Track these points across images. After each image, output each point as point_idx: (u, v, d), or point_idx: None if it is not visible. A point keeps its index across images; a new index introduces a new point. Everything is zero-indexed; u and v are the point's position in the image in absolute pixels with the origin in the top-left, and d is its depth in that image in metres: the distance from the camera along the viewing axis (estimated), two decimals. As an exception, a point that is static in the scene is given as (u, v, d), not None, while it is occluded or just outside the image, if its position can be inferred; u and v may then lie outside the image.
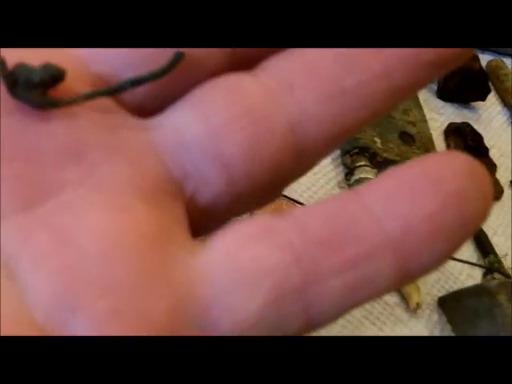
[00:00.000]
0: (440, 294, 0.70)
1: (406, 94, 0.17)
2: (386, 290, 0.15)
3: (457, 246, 0.15)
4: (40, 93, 0.16)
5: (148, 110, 0.18)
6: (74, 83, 0.17)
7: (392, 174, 0.16)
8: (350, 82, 0.17)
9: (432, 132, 0.87)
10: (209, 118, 0.17)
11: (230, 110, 0.17)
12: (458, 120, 0.94)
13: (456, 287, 0.71)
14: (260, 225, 0.16)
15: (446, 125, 0.93)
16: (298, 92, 0.17)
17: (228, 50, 0.18)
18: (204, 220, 0.17)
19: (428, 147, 0.82)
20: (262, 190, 0.17)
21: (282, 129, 0.17)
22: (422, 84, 0.17)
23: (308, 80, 0.17)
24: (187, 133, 0.17)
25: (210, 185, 0.17)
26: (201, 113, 0.17)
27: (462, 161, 0.16)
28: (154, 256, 0.15)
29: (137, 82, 0.17)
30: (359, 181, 0.73)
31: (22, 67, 0.16)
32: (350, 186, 0.75)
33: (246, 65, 0.18)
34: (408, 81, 0.17)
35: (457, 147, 0.87)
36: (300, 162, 0.17)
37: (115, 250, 0.15)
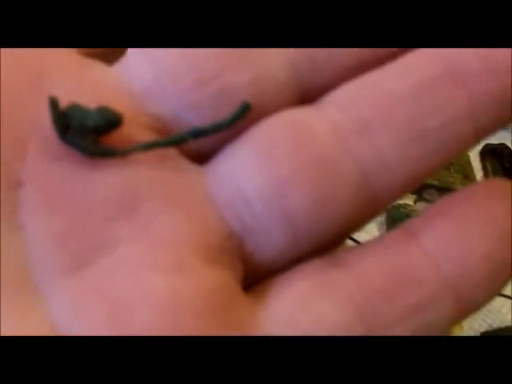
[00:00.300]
0: (482, 329, 0.68)
1: (488, 135, 0.15)
2: (445, 330, 0.15)
3: (507, 282, 0.15)
4: (93, 139, 0.14)
5: (204, 150, 0.16)
6: (130, 126, 0.15)
7: (444, 211, 0.15)
8: (432, 123, 0.15)
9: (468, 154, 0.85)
10: (271, 166, 0.15)
11: (295, 157, 0.15)
12: (495, 141, 0.92)
13: (498, 321, 0.70)
14: (318, 280, 0.15)
15: (482, 146, 0.90)
16: (372, 133, 0.15)
17: (295, 83, 0.16)
18: (259, 275, 0.16)
19: (466, 170, 0.80)
20: (327, 242, 0.16)
21: (354, 178, 0.15)
22: (506, 124, 0.15)
23: (385, 118, 0.15)
24: (248, 184, 0.15)
25: (272, 242, 0.15)
26: (262, 160, 0.15)
27: (509, 191, 0.15)
28: (217, 323, 0.14)
29: (199, 134, 0.15)
30: (399, 207, 0.71)
31: (75, 109, 0.14)
32: (387, 210, 0.73)
33: (312, 97, 0.16)
34: (494, 121, 0.15)
35: (494, 169, 0.85)
36: (370, 211, 0.16)
37: (175, 320, 0.13)
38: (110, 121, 0.14)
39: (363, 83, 0.15)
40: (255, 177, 0.15)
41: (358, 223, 0.16)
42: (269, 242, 0.15)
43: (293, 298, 0.15)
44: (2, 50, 0.14)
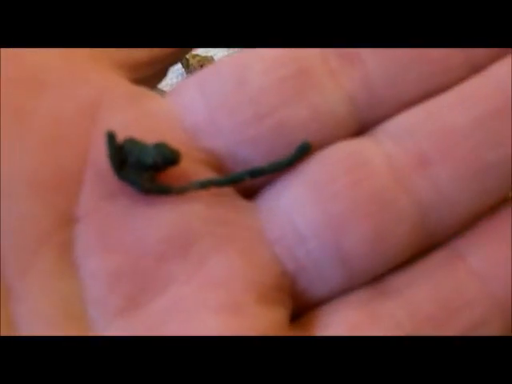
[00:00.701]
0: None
1: None
2: None
3: None
4: (149, 176, 0.14)
5: (255, 184, 0.15)
6: (184, 161, 0.14)
7: (489, 229, 0.15)
8: (493, 157, 0.14)
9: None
10: (327, 202, 0.14)
11: (351, 193, 0.14)
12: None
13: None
14: (366, 310, 0.14)
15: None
16: (431, 167, 0.14)
17: (354, 117, 0.15)
18: (306, 307, 0.15)
19: None
20: (380, 276, 0.15)
21: (412, 214, 0.14)
22: None
23: (444, 151, 0.14)
24: (302, 220, 0.14)
25: (325, 280, 0.15)
26: (317, 195, 0.14)
27: None
28: None
29: (257, 174, 0.15)
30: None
31: (132, 144, 0.14)
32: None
33: (369, 128, 0.15)
34: None
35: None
36: (427, 247, 0.15)
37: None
38: (168, 158, 0.14)
39: (421, 114, 0.15)
40: (309, 213, 0.14)
41: (414, 257, 0.15)
42: (322, 281, 0.15)
43: (342, 329, 0.14)
44: (52, 75, 0.14)
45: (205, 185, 0.14)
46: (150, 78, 0.16)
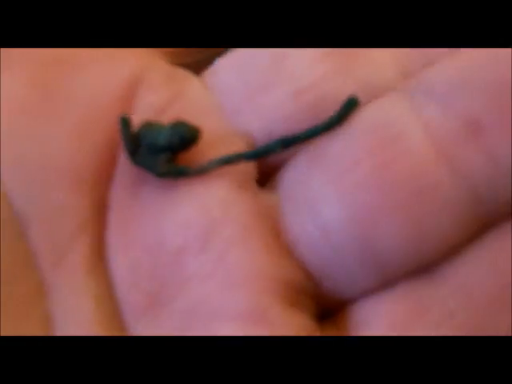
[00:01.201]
0: None
1: None
2: None
3: None
4: (166, 158, 0.13)
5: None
6: (220, 144, 0.13)
7: None
8: None
9: None
10: (350, 193, 0.12)
11: (378, 180, 0.12)
12: None
13: None
14: (410, 302, 0.12)
15: None
16: (486, 136, 0.12)
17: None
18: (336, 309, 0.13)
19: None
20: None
21: (460, 199, 0.12)
22: None
23: (502, 114, 0.12)
24: (325, 215, 0.12)
25: (355, 281, 0.13)
26: (339, 184, 0.12)
27: None
28: None
29: (290, 142, 0.13)
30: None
31: (148, 127, 0.13)
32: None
33: None
34: None
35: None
36: (481, 232, 0.12)
37: None
38: (185, 137, 0.13)
39: (469, 63, 0.12)
40: (333, 205, 0.12)
41: (464, 245, 0.13)
42: (350, 280, 0.13)
43: (385, 326, 0.12)
44: (88, 55, 0.14)
45: (229, 160, 0.13)
46: (193, 65, 0.15)
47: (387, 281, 0.13)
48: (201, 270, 0.13)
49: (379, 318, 0.13)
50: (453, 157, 0.12)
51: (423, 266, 0.13)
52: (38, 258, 0.13)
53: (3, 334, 0.12)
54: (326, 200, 0.13)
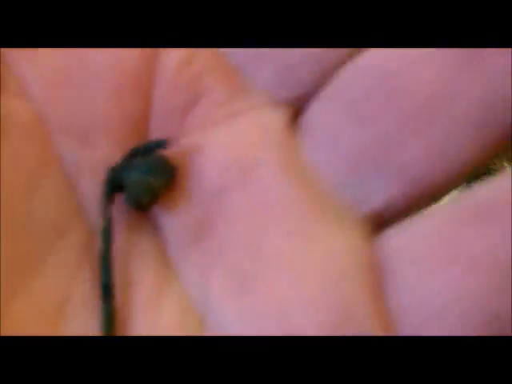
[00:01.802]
0: None
1: None
2: None
3: None
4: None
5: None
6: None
7: None
8: None
9: None
10: (368, 126, 0.13)
11: (391, 111, 0.13)
12: None
13: None
14: (445, 239, 0.13)
15: None
16: None
17: None
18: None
19: None
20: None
21: (477, 110, 0.12)
22: None
23: None
24: (349, 146, 0.13)
25: (384, 196, 0.13)
26: (356, 118, 0.13)
27: None
28: (353, 289, 0.13)
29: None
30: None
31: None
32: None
33: None
34: None
35: None
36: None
37: (309, 286, 0.13)
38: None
39: None
40: (354, 138, 0.13)
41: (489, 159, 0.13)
42: (380, 199, 0.13)
43: (417, 264, 0.13)
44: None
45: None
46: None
47: (415, 198, 0.13)
48: (241, 203, 0.13)
49: (411, 257, 0.13)
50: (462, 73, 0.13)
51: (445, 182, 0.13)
52: (88, 208, 0.14)
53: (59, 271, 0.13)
54: (346, 134, 0.13)
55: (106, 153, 0.14)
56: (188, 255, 0.13)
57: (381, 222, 0.13)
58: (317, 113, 0.14)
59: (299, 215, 0.13)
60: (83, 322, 0.13)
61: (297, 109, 0.14)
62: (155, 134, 0.14)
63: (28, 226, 0.13)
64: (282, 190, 0.13)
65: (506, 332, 0.12)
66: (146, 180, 0.13)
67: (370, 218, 0.13)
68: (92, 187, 0.14)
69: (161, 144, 0.13)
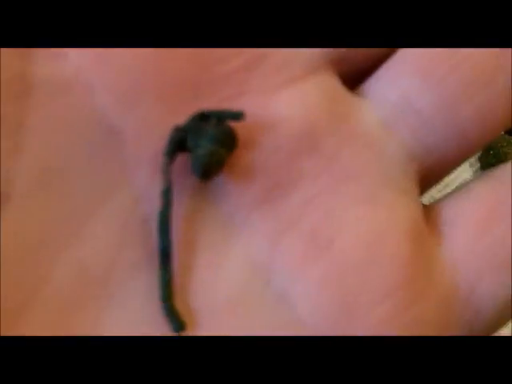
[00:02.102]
0: None
1: None
2: None
3: None
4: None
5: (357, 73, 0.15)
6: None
7: None
8: None
9: None
10: (437, 85, 0.14)
11: (457, 76, 0.14)
12: None
13: None
14: (493, 201, 0.14)
15: None
16: None
17: None
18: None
19: None
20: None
21: None
22: None
23: None
24: (420, 104, 0.14)
25: (447, 156, 0.15)
26: (426, 80, 0.14)
27: None
28: (416, 254, 0.14)
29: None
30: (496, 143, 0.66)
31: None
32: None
33: None
34: None
35: None
36: None
37: (378, 249, 0.13)
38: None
39: None
40: (425, 96, 0.14)
41: None
42: (444, 157, 0.15)
43: (471, 224, 0.14)
44: None
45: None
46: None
47: (469, 153, 0.15)
48: (313, 171, 0.14)
49: (465, 217, 0.14)
50: None
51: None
52: (133, 169, 0.13)
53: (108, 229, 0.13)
54: (418, 93, 0.14)
55: (154, 114, 0.13)
56: (255, 221, 0.13)
57: (430, 179, 0.15)
58: (384, 78, 0.15)
59: (367, 182, 0.14)
60: (132, 287, 0.13)
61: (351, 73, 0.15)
62: (210, 99, 0.14)
63: (73, 188, 0.13)
64: (351, 157, 0.14)
65: None
66: (215, 150, 0.13)
67: (422, 174, 0.14)
68: (137, 149, 0.13)
69: (237, 115, 0.13)
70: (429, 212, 0.15)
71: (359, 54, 0.15)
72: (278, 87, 0.14)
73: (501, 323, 0.14)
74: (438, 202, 0.15)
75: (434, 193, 0.16)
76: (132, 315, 0.13)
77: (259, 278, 0.13)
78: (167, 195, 0.13)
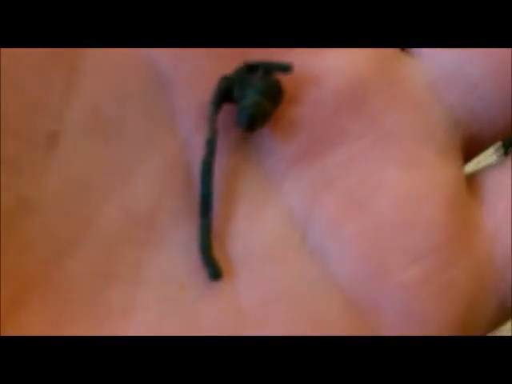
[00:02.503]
0: None
1: None
2: None
3: None
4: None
5: None
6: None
7: None
8: None
9: None
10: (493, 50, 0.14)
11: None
12: None
13: None
14: None
15: None
16: None
17: None
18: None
19: None
20: None
21: None
22: None
23: None
24: (471, 70, 0.14)
25: (493, 124, 0.14)
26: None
27: None
28: (454, 219, 0.14)
29: None
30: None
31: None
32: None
33: None
34: None
35: None
36: None
37: (416, 211, 0.13)
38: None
39: None
40: (477, 62, 0.14)
41: None
42: (490, 124, 0.14)
43: (508, 195, 0.14)
44: None
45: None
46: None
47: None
48: (356, 129, 0.14)
49: (504, 189, 0.14)
50: None
51: None
52: (180, 118, 0.13)
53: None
54: (470, 60, 0.14)
55: (203, 65, 0.13)
56: (294, 175, 0.13)
57: (475, 147, 0.15)
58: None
59: (410, 144, 0.14)
60: (173, 234, 0.13)
61: None
62: (259, 52, 0.14)
63: (122, 133, 0.13)
64: (395, 118, 0.14)
65: None
66: (261, 102, 0.13)
67: (467, 141, 0.14)
68: (185, 99, 0.13)
69: (285, 67, 0.13)
70: (471, 180, 0.15)
71: None
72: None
73: None
74: (480, 171, 0.15)
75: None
76: (171, 261, 0.13)
77: (296, 230, 0.13)
78: (211, 144, 0.13)
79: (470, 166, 0.15)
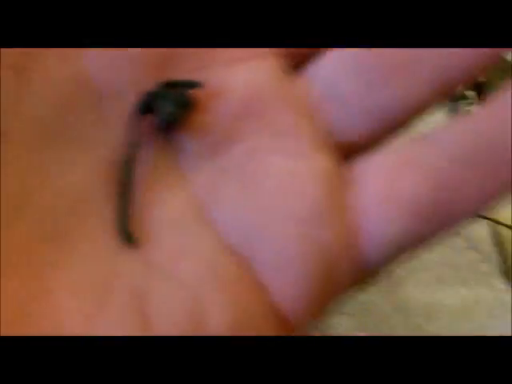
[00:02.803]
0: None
1: None
2: None
3: None
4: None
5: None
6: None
7: None
8: None
9: None
10: (366, 71, 0.17)
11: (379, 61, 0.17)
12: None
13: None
14: (401, 157, 0.17)
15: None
16: None
17: None
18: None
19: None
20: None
21: None
22: None
23: None
24: (343, 85, 0.17)
25: (361, 136, 0.17)
26: (352, 64, 0.17)
27: None
28: (327, 196, 0.16)
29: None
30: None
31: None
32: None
33: None
34: None
35: None
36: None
37: (297, 190, 0.16)
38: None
39: None
40: (348, 85, 0.17)
41: None
42: (357, 137, 0.17)
43: (380, 175, 0.17)
44: None
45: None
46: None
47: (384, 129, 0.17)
48: (256, 130, 0.17)
49: (375, 170, 0.17)
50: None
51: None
52: (112, 124, 0.16)
53: None
54: (343, 75, 0.17)
55: (132, 78, 0.16)
56: (201, 168, 0.17)
57: (351, 152, 0.17)
58: (322, 64, 0.18)
59: (295, 142, 0.17)
60: (101, 212, 0.16)
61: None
62: (177, 70, 0.17)
63: (61, 135, 0.16)
64: (286, 121, 0.17)
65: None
66: (176, 112, 0.16)
67: (344, 147, 0.17)
68: (117, 109, 0.16)
69: (197, 84, 0.16)
70: (350, 169, 0.17)
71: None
72: (233, 63, 0.17)
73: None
74: (360, 159, 0.17)
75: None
76: (95, 230, 0.16)
77: (198, 208, 0.16)
78: (135, 145, 0.16)
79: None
